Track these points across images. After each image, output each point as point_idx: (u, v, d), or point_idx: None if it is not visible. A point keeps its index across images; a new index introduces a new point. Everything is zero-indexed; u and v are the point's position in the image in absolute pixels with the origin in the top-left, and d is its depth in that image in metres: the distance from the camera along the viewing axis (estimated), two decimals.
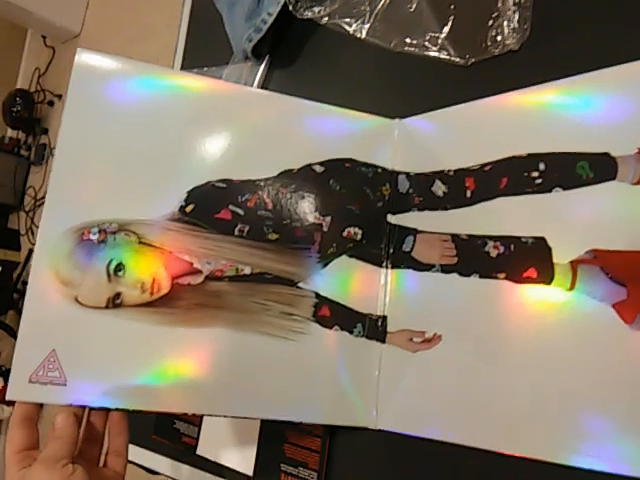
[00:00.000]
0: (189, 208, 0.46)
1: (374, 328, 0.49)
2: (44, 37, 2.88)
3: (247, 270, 0.46)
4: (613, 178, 0.39)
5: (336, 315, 0.48)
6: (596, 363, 0.38)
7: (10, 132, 2.87)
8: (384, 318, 0.49)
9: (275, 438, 0.55)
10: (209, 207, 0.46)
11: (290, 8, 0.62)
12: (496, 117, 0.47)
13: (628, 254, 0.38)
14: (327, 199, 0.49)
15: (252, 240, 0.46)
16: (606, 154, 0.39)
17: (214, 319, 0.45)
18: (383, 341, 0.49)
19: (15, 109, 2.68)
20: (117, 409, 0.44)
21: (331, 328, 0.48)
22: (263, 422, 0.56)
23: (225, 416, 0.48)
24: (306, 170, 0.49)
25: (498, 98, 0.47)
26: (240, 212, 0.46)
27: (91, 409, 0.44)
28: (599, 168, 0.40)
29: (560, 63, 0.44)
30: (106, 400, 0.43)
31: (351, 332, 0.48)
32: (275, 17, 0.64)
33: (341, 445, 0.52)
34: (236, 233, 0.46)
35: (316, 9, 0.62)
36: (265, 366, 0.46)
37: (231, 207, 0.46)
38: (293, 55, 0.66)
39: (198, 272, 0.45)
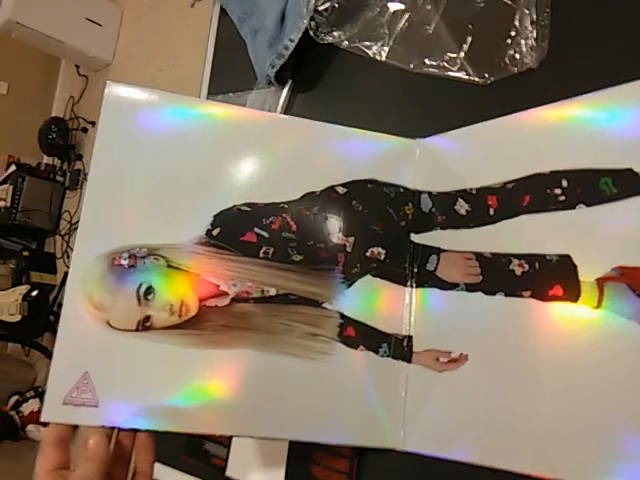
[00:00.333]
0: (215, 232, 0.47)
1: (400, 348, 0.49)
2: (77, 66, 2.99)
3: (272, 291, 0.47)
4: (638, 194, 0.39)
5: (361, 335, 0.48)
6: (626, 381, 0.37)
7: (46, 159, 2.96)
8: (410, 338, 0.49)
9: (303, 459, 0.55)
10: (234, 230, 0.47)
11: (311, 33, 0.64)
12: (517, 134, 0.47)
13: None
14: (350, 220, 0.49)
15: (277, 262, 0.47)
16: (630, 170, 0.39)
17: (241, 340, 0.46)
18: (409, 361, 0.49)
19: (51, 137, 2.78)
20: (147, 430, 0.45)
21: (357, 348, 0.48)
22: (291, 443, 0.56)
23: (253, 437, 0.48)
24: (329, 192, 0.50)
25: (518, 115, 0.47)
26: (265, 234, 0.47)
27: (120, 430, 0.45)
28: (623, 184, 0.39)
29: (579, 80, 0.44)
30: (137, 421, 0.44)
31: (377, 352, 0.49)
32: (297, 43, 0.65)
33: (369, 466, 0.52)
34: (261, 255, 0.47)
35: (336, 33, 0.63)
36: (292, 387, 0.47)
37: (256, 230, 0.47)
38: (315, 79, 0.67)
39: (225, 294, 0.46)
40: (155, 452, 0.46)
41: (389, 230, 0.50)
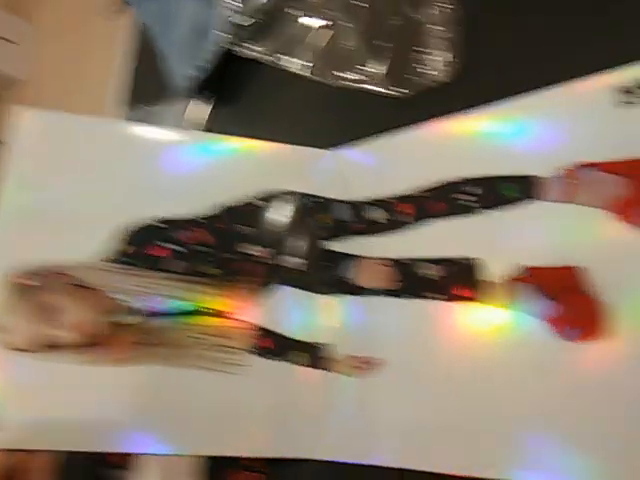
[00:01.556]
0: (126, 248, 0.46)
1: (318, 357, 0.49)
2: None
3: (185, 306, 0.46)
4: (538, 198, 0.41)
5: (279, 346, 0.48)
6: (536, 378, 0.39)
7: None
8: (329, 346, 0.49)
9: (214, 477, 0.52)
10: (146, 246, 0.47)
11: (232, 47, 0.64)
12: (431, 145, 0.48)
13: (556, 270, 0.39)
14: (268, 232, 0.49)
15: (191, 276, 0.46)
16: (531, 176, 0.41)
17: (151, 356, 0.45)
18: (328, 369, 0.49)
19: None
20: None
21: (273, 359, 0.47)
22: (201, 460, 0.54)
23: (165, 454, 0.46)
24: (247, 205, 0.50)
25: (432, 126, 0.49)
26: (179, 249, 0.47)
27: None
28: (525, 189, 0.41)
29: (490, 92, 0.46)
30: (39, 441, 0.42)
31: (295, 362, 0.48)
32: (217, 56, 0.65)
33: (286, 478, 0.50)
34: (174, 269, 0.46)
35: (258, 48, 0.64)
36: (205, 400, 0.45)
37: (170, 245, 0.47)
38: (236, 93, 0.67)
39: (135, 311, 0.45)
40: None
41: (307, 240, 0.50)
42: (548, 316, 0.38)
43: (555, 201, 0.40)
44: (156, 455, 0.48)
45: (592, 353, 0.36)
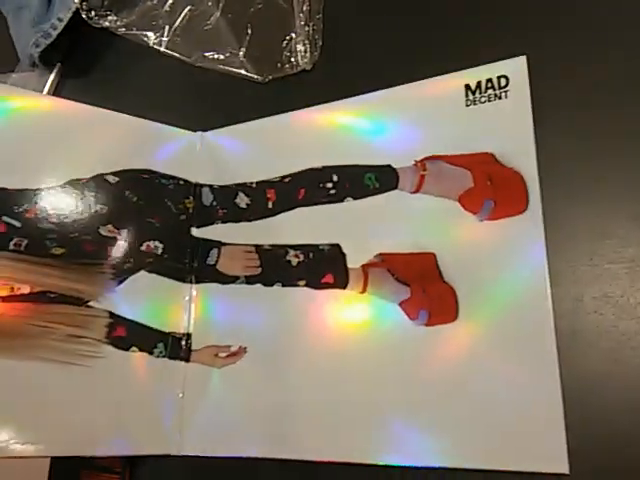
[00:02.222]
0: None
1: (177, 347, 0.47)
2: None
3: (25, 289, 0.41)
4: (395, 187, 0.43)
5: (133, 335, 0.45)
6: (393, 362, 0.40)
7: None
8: (188, 335, 0.48)
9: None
10: None
11: (83, 15, 0.59)
12: (293, 132, 0.48)
13: (409, 256, 0.41)
14: (122, 211, 0.45)
15: (31, 255, 0.41)
16: (389, 166, 0.43)
17: None
18: (187, 360, 0.47)
19: None
20: None
21: (128, 350, 0.45)
22: (53, 462, 0.50)
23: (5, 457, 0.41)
24: (98, 180, 0.45)
25: (294, 114, 0.49)
26: (16, 224, 0.41)
27: None
28: (383, 179, 0.43)
29: (349, 82, 0.47)
30: None
31: (151, 353, 0.46)
32: (66, 24, 0.59)
33: (143, 478, 0.48)
34: (11, 247, 0.40)
35: (112, 18, 0.60)
36: (52, 395, 0.41)
37: (5, 218, 0.41)
38: (87, 64, 0.62)
39: None
40: None
41: (167, 224, 0.48)
42: (400, 300, 0.41)
43: (409, 191, 0.42)
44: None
45: (443, 338, 0.39)
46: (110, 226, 0.44)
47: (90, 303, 0.43)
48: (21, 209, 0.41)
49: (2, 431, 0.39)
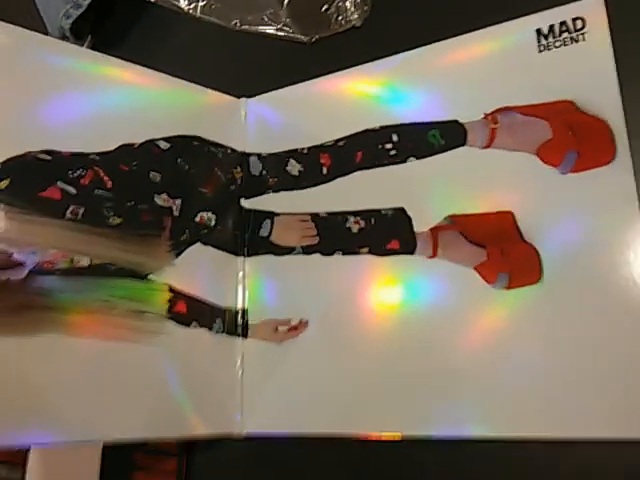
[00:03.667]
0: (3, 184, 0.36)
1: (234, 322, 0.45)
2: None
3: (85, 261, 0.38)
4: (463, 144, 0.40)
5: (193, 310, 0.43)
6: (469, 329, 0.38)
7: None
8: (245, 311, 0.46)
9: (122, 467, 0.47)
10: (30, 183, 0.37)
11: None
12: (345, 93, 0.46)
13: (484, 216, 0.38)
14: (176, 180, 0.43)
15: (89, 225, 0.38)
16: (455, 121, 0.40)
17: (44, 323, 0.36)
18: (245, 336, 0.45)
19: None
20: None
21: (189, 326, 0.43)
22: (105, 449, 0.48)
23: (60, 445, 0.39)
24: (149, 146, 0.43)
25: (345, 74, 0.46)
26: (72, 190, 0.38)
27: None
28: (449, 135, 0.40)
29: (405, 37, 0.44)
30: None
31: (210, 328, 0.44)
32: None
33: (201, 461, 0.46)
34: (68, 216, 0.37)
35: None
36: (115, 377, 0.39)
37: (60, 184, 0.37)
38: (118, 35, 0.60)
39: (19, 265, 0.37)
40: None
41: (219, 194, 0.45)
42: (476, 263, 0.38)
43: (479, 147, 0.39)
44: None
45: (526, 301, 0.36)
46: (165, 195, 0.42)
47: (150, 277, 0.41)
48: (76, 174, 0.38)
49: (59, 415, 0.37)
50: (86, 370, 0.38)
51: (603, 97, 0.36)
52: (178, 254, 0.42)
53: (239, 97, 0.50)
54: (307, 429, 0.42)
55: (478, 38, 0.41)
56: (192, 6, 0.55)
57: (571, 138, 0.36)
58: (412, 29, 0.44)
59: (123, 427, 0.40)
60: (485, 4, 0.42)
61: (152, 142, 0.43)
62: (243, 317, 0.45)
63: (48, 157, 0.38)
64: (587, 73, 0.37)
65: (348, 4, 0.47)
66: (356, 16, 0.47)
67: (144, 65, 0.56)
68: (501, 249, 0.37)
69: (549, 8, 0.39)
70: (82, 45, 0.60)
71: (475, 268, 0.38)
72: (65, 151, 0.39)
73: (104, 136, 0.41)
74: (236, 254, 0.46)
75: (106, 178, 0.39)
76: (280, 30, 0.50)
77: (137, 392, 0.40)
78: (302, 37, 0.49)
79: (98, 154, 0.40)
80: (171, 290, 0.42)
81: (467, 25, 0.41)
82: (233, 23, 0.52)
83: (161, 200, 0.41)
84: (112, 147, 0.41)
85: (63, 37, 0.59)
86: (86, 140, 0.40)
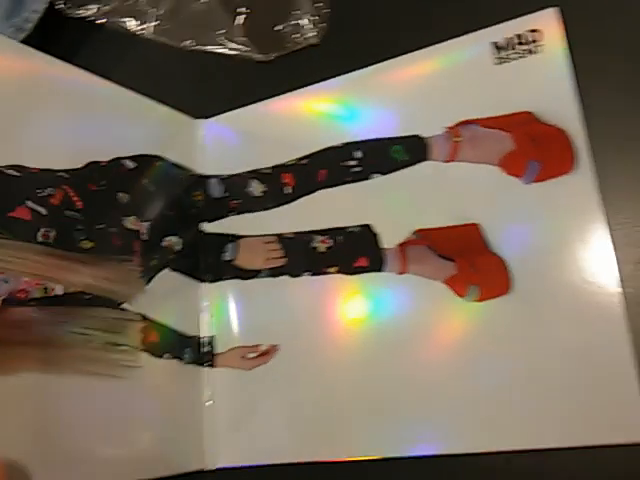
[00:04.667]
0: None
1: (201, 351, 0.43)
2: None
3: (59, 290, 0.35)
4: (426, 158, 0.40)
5: (165, 340, 0.41)
6: (443, 344, 0.37)
7: None
8: (211, 338, 0.44)
9: None
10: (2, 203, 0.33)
11: (60, 5, 0.55)
12: (302, 111, 0.45)
13: (451, 229, 0.38)
14: (143, 202, 0.41)
15: (62, 249, 0.34)
16: (416, 136, 0.40)
17: (18, 360, 0.33)
18: (213, 365, 0.43)
19: None
20: None
21: (161, 357, 0.41)
22: None
23: None
24: (116, 164, 0.41)
25: (301, 92, 0.45)
26: (42, 211, 0.34)
27: None
28: (412, 150, 0.40)
29: (363, 53, 0.44)
30: None
31: (181, 359, 0.42)
32: (41, 15, 0.55)
33: None
34: (39, 239, 0.33)
35: (91, 7, 0.55)
36: (91, 414, 0.36)
37: (29, 204, 0.33)
38: (69, 58, 0.57)
39: None
40: None
41: (182, 217, 0.44)
42: (446, 277, 0.38)
43: (442, 160, 0.39)
44: None
45: (497, 312, 0.36)
46: (133, 218, 0.39)
47: (123, 305, 0.38)
48: (45, 193, 0.35)
49: (53, 457, 0.34)
50: (56, 411, 0.35)
51: (561, 107, 0.36)
52: (149, 280, 0.40)
53: (196, 118, 0.49)
54: (283, 458, 0.40)
55: (434, 53, 0.41)
56: (142, 27, 0.54)
57: (533, 148, 0.36)
58: (369, 45, 0.44)
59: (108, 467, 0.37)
60: (442, 19, 0.42)
61: (119, 160, 0.41)
62: (210, 346, 0.44)
63: (17, 173, 0.35)
64: (545, 84, 0.37)
65: (305, 22, 0.47)
66: (314, 34, 0.46)
67: None
68: (470, 262, 0.37)
69: (504, 21, 0.39)
70: None
71: (445, 282, 0.37)
72: (34, 167, 0.36)
73: (72, 151, 0.39)
74: (202, 280, 0.44)
75: (75, 198, 0.36)
76: (234, 50, 0.49)
77: (115, 430, 0.38)
78: (258, 56, 0.48)
79: (66, 171, 0.37)
80: (144, 319, 0.39)
81: (425, 40, 0.41)
82: (186, 43, 0.51)
83: (130, 223, 0.39)
84: (79, 164, 0.38)
85: None
86: (52, 155, 0.37)
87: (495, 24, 0.39)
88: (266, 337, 0.43)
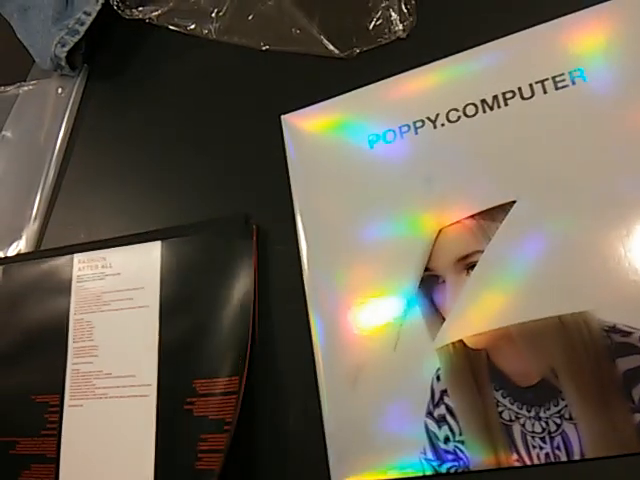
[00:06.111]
0: None
1: None
2: None
3: None
4: None
5: None
6: None
7: None
8: None
9: None
10: None
11: (114, 6, 0.52)
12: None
13: None
14: None
15: None
16: None
17: None
18: None
19: None
20: None
21: None
22: None
23: None
24: None
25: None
26: None
27: None
28: None
29: (449, 45, 0.42)
30: None
31: None
32: (94, 17, 0.52)
33: None
34: None
35: (148, 8, 0.53)
36: None
37: None
38: (122, 63, 0.55)
39: None
40: None
41: None
42: None
43: None
44: None
45: None
46: None
47: None
48: None
49: None
50: None
51: None
52: None
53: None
54: None
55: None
56: (205, 28, 0.51)
57: None
58: (456, 36, 0.43)
59: None
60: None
61: None
62: None
63: None
64: None
65: (392, 16, 0.45)
66: (400, 27, 0.45)
67: (149, 97, 0.51)
68: None
69: None
70: (77, 75, 0.55)
71: None
72: None
73: None
74: None
75: None
76: (314, 47, 0.47)
77: None
78: (341, 52, 0.46)
79: None
80: None
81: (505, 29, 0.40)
82: (261, 44, 0.49)
83: None
84: None
85: (57, 67, 0.53)
86: None
87: None
88: None
